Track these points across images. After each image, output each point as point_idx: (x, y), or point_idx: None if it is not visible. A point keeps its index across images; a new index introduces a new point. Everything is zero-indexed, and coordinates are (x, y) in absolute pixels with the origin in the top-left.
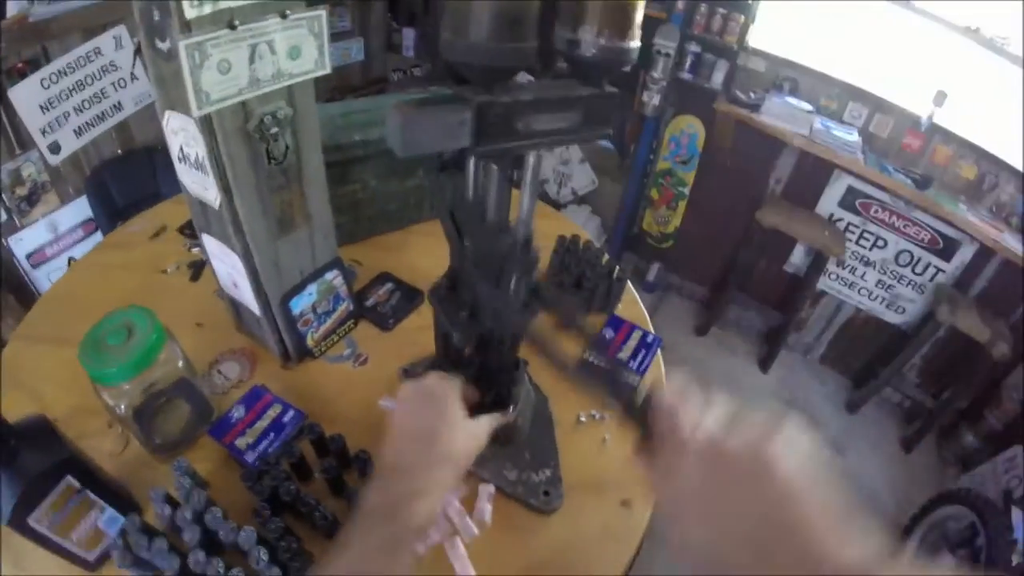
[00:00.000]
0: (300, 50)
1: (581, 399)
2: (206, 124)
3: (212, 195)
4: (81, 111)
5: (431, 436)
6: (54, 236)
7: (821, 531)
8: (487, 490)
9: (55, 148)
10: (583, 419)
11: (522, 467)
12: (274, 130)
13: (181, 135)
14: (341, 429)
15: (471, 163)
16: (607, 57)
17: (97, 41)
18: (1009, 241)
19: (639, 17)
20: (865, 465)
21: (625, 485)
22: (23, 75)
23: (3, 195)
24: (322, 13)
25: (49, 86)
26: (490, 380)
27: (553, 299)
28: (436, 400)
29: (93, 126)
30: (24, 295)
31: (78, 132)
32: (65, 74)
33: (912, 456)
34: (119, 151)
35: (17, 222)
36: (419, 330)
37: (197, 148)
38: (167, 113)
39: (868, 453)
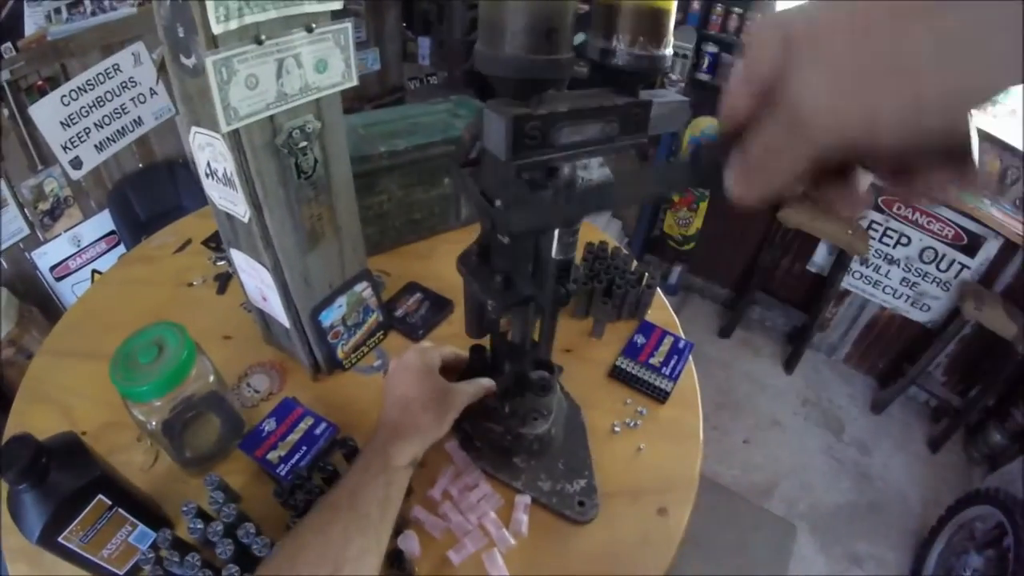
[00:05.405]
0: (327, 63)
1: (615, 408)
2: (234, 140)
3: (241, 210)
4: (102, 127)
5: (406, 405)
6: (77, 249)
7: None
8: (523, 500)
9: (77, 163)
10: (617, 428)
11: (556, 478)
12: (303, 144)
13: (208, 151)
14: None
15: None
16: (641, 65)
17: (116, 58)
18: None
19: (672, 24)
20: (891, 465)
21: (661, 493)
22: (43, 92)
23: (26, 210)
24: (348, 25)
25: (69, 103)
26: (522, 385)
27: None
28: (411, 373)
29: (114, 141)
30: (49, 308)
31: (99, 147)
32: (85, 91)
33: (939, 456)
34: (140, 165)
35: (40, 236)
36: (449, 339)
37: (225, 164)
38: (193, 129)
39: (894, 453)
